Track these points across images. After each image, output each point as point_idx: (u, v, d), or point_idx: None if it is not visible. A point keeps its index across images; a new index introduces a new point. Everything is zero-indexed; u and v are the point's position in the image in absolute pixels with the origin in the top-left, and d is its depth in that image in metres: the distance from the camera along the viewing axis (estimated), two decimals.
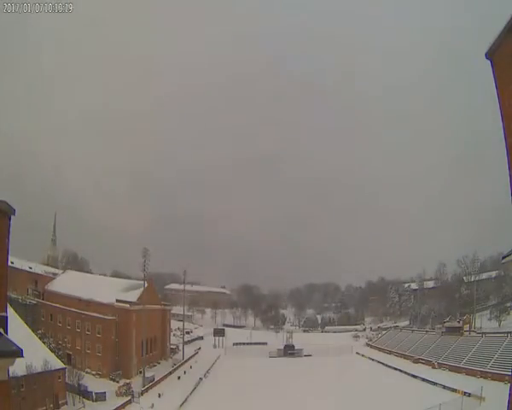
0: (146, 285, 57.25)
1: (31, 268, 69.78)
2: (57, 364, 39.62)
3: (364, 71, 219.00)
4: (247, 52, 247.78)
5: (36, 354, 35.03)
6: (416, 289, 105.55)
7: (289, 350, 76.98)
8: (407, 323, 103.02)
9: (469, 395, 38.83)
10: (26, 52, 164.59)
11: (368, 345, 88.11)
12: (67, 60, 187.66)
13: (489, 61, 5.31)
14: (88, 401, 41.09)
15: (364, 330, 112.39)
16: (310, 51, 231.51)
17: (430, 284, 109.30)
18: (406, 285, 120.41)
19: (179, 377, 54.19)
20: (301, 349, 78.15)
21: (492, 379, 44.21)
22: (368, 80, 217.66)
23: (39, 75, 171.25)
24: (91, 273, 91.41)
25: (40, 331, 50.31)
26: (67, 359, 50.35)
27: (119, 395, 43.22)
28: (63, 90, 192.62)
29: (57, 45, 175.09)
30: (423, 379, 49.86)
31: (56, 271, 79.27)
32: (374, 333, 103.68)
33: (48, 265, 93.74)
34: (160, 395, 44.47)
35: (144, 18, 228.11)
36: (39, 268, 75.71)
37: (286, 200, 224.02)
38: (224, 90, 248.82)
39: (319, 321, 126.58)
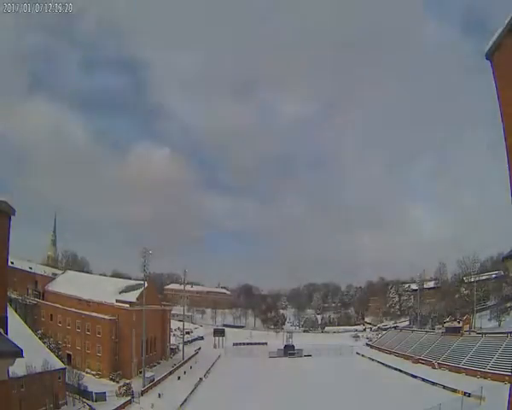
0: (146, 285, 57.19)
1: (31, 268, 69.67)
2: (57, 364, 39.56)
3: None
4: None
5: (36, 354, 34.95)
6: (415, 290, 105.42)
7: (289, 350, 76.92)
8: (407, 323, 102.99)
9: (469, 395, 38.81)
10: None
11: (368, 345, 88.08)
12: None
13: (489, 62, 5.31)
14: (88, 402, 41.03)
15: (364, 330, 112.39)
16: None
17: (430, 284, 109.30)
18: (406, 285, 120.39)
19: (179, 378, 54.14)
20: (301, 350, 78.10)
21: (492, 379, 44.16)
22: None
23: None
24: (91, 273, 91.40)
25: (40, 331, 50.29)
26: (67, 359, 50.36)
27: (119, 395, 43.11)
28: None
29: None
30: (423, 379, 49.85)
31: (56, 271, 79.16)
32: (374, 333, 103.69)
33: (48, 265, 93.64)
34: (160, 396, 44.42)
35: None
36: (39, 268, 75.58)
37: None
38: None
39: (319, 321, 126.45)
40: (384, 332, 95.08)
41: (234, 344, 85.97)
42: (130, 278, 78.51)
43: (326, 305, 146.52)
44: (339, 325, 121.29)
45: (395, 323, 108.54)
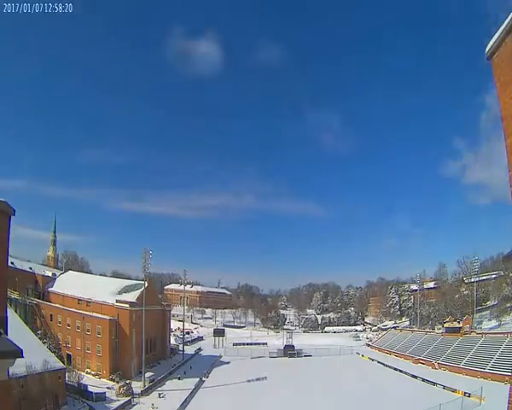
0: (146, 285, 57.19)
1: (31, 268, 69.63)
2: (57, 364, 39.50)
3: None
4: None
5: (36, 354, 34.96)
6: (415, 290, 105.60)
7: (289, 351, 76.87)
8: (407, 323, 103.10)
9: (469, 395, 38.83)
10: None
11: (368, 345, 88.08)
12: None
13: (489, 62, 5.31)
14: (88, 402, 40.99)
15: (364, 330, 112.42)
16: None
17: (430, 284, 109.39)
18: (406, 285, 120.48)
19: (179, 378, 54.11)
20: (301, 350, 78.13)
21: (492, 380, 44.19)
22: None
23: None
24: (91, 273, 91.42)
25: (40, 331, 50.26)
26: (67, 359, 50.37)
27: (119, 395, 43.11)
28: None
29: None
30: (423, 380, 49.86)
31: (56, 271, 79.15)
32: (374, 333, 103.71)
33: (48, 265, 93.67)
34: (160, 396, 44.40)
35: None
36: (39, 268, 75.56)
37: None
38: None
39: (319, 322, 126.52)
40: (384, 332, 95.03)
41: (234, 344, 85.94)
42: (130, 278, 78.54)
43: (326, 305, 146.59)
44: (339, 325, 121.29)
45: (395, 323, 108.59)
